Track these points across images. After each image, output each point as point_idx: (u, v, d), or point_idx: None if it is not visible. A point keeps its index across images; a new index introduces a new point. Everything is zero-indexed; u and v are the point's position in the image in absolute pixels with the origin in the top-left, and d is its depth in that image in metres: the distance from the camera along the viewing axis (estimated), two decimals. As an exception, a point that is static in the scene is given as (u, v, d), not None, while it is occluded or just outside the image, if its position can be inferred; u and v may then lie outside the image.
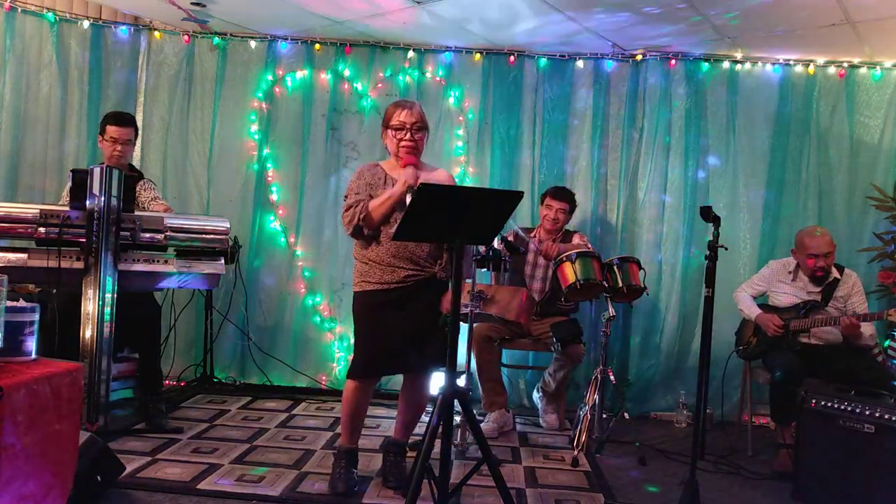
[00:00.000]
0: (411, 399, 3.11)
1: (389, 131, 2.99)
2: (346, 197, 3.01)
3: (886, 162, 4.50)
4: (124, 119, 3.84)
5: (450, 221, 2.42)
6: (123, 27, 4.80)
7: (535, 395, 4.41)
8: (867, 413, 2.96)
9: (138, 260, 3.39)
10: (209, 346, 4.72)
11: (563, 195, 4.25)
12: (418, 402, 3.12)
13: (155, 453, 3.32)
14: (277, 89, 4.89)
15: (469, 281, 3.44)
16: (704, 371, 3.06)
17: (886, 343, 3.92)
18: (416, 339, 2.92)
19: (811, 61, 4.52)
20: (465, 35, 4.58)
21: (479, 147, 4.80)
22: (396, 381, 4.61)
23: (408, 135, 2.94)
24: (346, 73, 4.87)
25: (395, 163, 3.01)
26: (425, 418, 3.43)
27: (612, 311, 3.73)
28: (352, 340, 3.63)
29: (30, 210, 3.25)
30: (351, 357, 3.23)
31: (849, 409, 3.01)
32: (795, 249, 3.90)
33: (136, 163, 4.49)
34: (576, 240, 4.23)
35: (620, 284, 3.77)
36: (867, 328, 3.71)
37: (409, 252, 2.90)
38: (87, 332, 3.24)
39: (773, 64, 4.57)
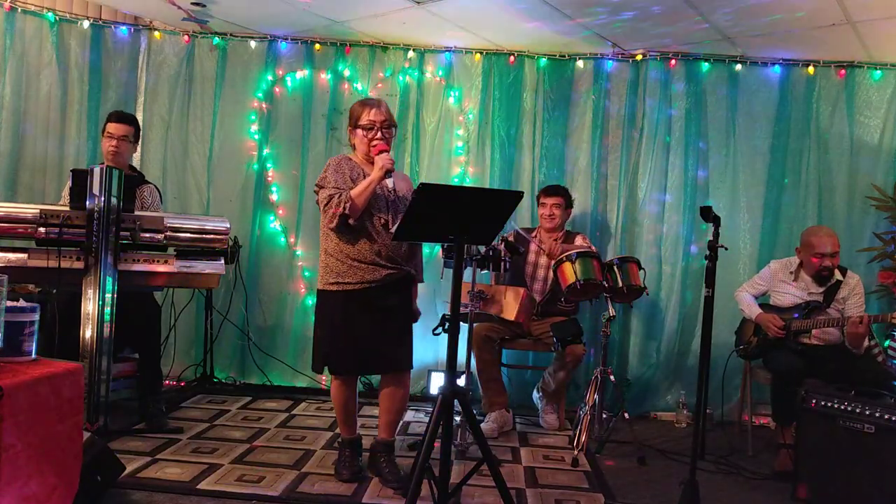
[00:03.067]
0: (392, 397, 3.13)
1: (359, 131, 3.04)
2: (318, 187, 3.01)
3: (886, 162, 4.49)
4: (122, 116, 3.84)
5: (450, 221, 2.43)
6: (123, 27, 4.80)
7: (535, 395, 4.41)
8: (867, 413, 2.96)
9: (138, 260, 3.39)
10: (209, 346, 4.72)
11: (555, 190, 4.28)
12: (399, 398, 3.14)
13: (155, 453, 3.32)
14: (277, 89, 4.88)
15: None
16: (704, 371, 3.05)
17: (886, 343, 3.93)
18: (390, 338, 2.99)
19: (811, 61, 4.52)
20: (465, 35, 4.58)
21: (479, 147, 4.80)
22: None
23: (378, 133, 3.01)
24: (346, 73, 4.87)
25: (363, 159, 3.06)
26: (426, 418, 3.43)
27: (612, 311, 3.73)
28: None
29: (30, 210, 3.25)
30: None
31: (849, 409, 3.01)
32: (801, 248, 3.89)
33: (136, 163, 4.49)
34: (578, 241, 4.23)
35: (620, 284, 3.77)
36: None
37: (392, 251, 2.97)
38: (87, 332, 3.24)
39: (773, 64, 4.56)
